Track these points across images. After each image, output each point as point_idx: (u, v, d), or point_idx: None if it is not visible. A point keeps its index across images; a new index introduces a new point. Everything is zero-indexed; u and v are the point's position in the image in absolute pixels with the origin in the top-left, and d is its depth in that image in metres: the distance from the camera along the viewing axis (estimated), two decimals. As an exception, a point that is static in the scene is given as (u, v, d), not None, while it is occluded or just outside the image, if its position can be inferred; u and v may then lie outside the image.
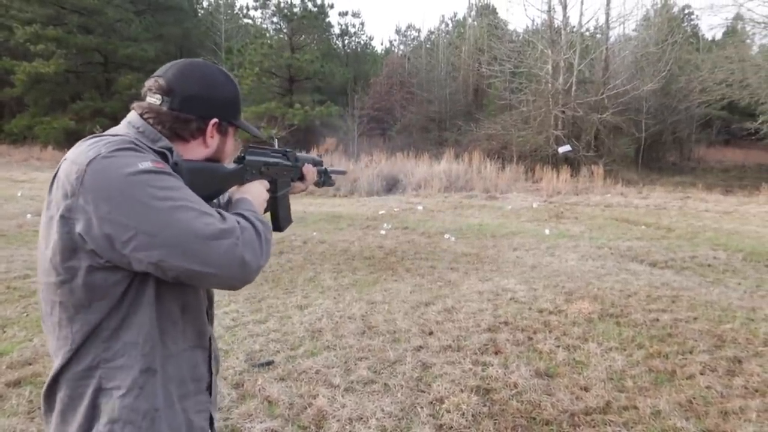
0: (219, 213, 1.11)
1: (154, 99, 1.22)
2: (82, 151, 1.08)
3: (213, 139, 1.30)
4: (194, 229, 1.03)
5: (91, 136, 1.16)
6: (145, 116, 1.22)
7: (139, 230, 1.01)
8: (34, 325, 4.37)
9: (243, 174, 1.43)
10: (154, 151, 1.15)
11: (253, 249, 1.11)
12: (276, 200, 1.60)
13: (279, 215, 1.64)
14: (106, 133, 1.19)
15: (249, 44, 26.59)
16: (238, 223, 1.12)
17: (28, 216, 9.37)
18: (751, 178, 21.38)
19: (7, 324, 4.38)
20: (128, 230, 1.01)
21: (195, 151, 1.27)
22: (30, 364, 3.62)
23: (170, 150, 1.19)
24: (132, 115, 1.24)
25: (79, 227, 1.03)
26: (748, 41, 25.08)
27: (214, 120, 1.27)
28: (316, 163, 1.84)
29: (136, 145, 1.12)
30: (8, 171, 17.98)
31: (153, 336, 1.13)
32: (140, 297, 1.11)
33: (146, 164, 1.05)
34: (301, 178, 1.73)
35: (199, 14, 36.65)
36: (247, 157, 1.45)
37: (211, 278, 1.06)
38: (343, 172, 2.23)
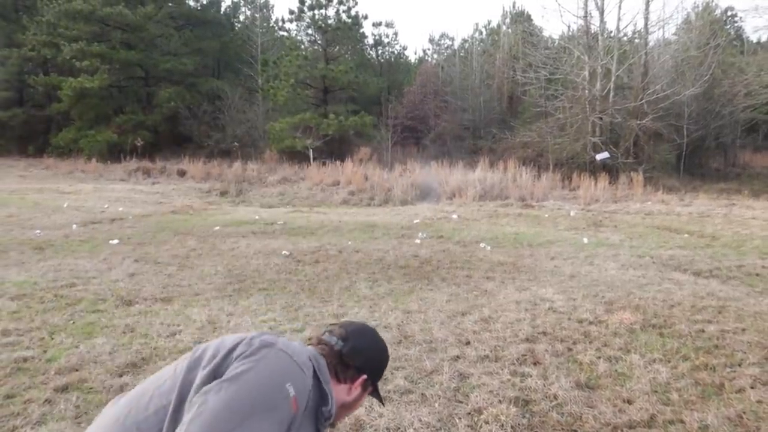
0: None
1: (331, 339, 1.52)
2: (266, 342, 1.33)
3: (356, 391, 1.54)
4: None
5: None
6: (321, 350, 1.49)
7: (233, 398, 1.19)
8: (81, 332, 4.50)
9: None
10: (320, 387, 1.37)
11: None
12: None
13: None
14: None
15: (284, 56, 27.04)
16: None
17: (74, 227, 9.68)
18: (800, 184, 20.58)
19: (55, 331, 4.52)
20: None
21: (340, 393, 1.49)
22: (77, 370, 3.72)
23: (331, 395, 1.40)
24: (312, 349, 1.49)
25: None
26: (796, 42, 24.26)
27: (365, 376, 1.53)
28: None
29: (307, 365, 1.34)
30: (55, 183, 18.64)
31: None
32: None
33: (291, 391, 1.23)
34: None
35: (236, 28, 37.42)
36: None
37: None
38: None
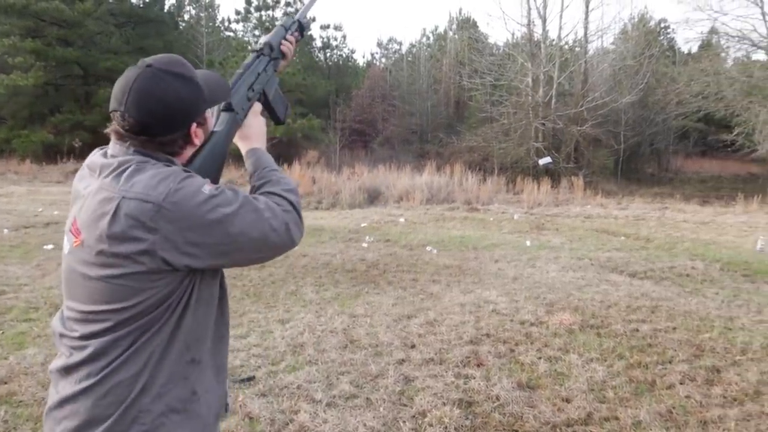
0: (264, 207, 1.26)
1: (128, 132, 1.25)
2: (146, 186, 1.17)
3: (198, 137, 1.35)
4: (259, 230, 1.24)
5: (130, 167, 1.22)
6: (132, 145, 1.26)
7: (219, 244, 1.20)
8: (10, 342, 4.28)
9: (235, 120, 1.47)
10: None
11: (297, 224, 1.34)
12: (269, 104, 1.61)
13: (276, 111, 1.65)
14: (136, 160, 1.24)
15: (231, 57, 26.56)
16: (280, 206, 1.31)
17: (5, 231, 9.20)
18: (727, 189, 21.79)
19: (-20, 342, 4.28)
20: (209, 245, 1.19)
21: (187, 153, 1.35)
22: (6, 383, 3.53)
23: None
24: (126, 145, 1.26)
25: (166, 255, 1.16)
26: (723, 54, 25.71)
27: (193, 125, 1.31)
28: (288, 27, 1.73)
29: (188, 170, 1.25)
30: (-16, 185, 17.64)
31: (196, 334, 1.29)
32: (189, 300, 1.26)
33: (207, 188, 1.20)
34: (283, 57, 1.72)
35: (181, 27, 36.49)
36: (233, 101, 1.46)
37: (270, 257, 1.35)
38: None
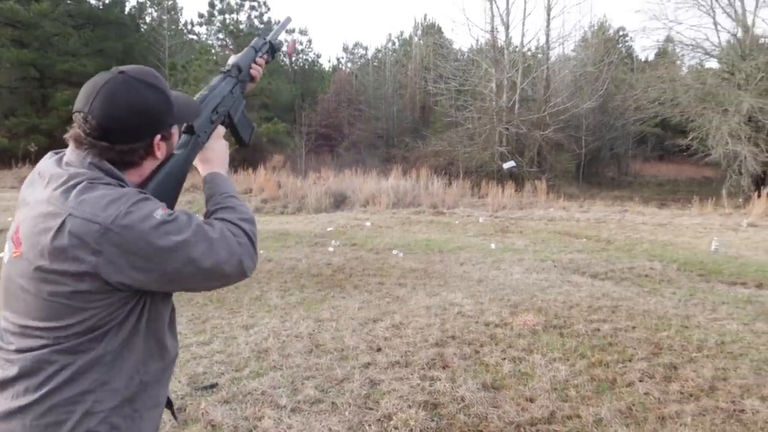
0: (219, 237, 1.23)
1: (90, 142, 1.21)
2: (95, 207, 1.12)
3: (161, 151, 1.31)
4: (211, 261, 1.20)
5: (80, 183, 1.16)
6: (90, 153, 1.21)
7: (166, 272, 1.16)
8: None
9: (197, 142, 1.43)
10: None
11: (251, 255, 1.30)
12: (235, 126, 1.57)
13: (240, 134, 1.62)
14: (89, 178, 1.18)
15: (194, 60, 26.21)
16: (235, 236, 1.27)
17: (-46, 238, 8.84)
18: (683, 192, 22.47)
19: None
20: (156, 272, 1.15)
21: (148, 167, 1.30)
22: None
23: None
24: (84, 154, 1.22)
25: (109, 278, 1.12)
26: (678, 62, 26.55)
27: (157, 137, 1.28)
28: (259, 49, 1.72)
29: (143, 193, 1.21)
30: (-68, 191, 16.94)
31: (145, 356, 1.25)
32: (138, 323, 1.22)
33: (160, 213, 1.16)
34: (251, 80, 1.71)
35: (142, 29, 35.77)
36: (195, 124, 1.42)
37: (220, 286, 1.30)
38: (288, 20, 2.03)
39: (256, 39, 1.73)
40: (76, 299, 1.13)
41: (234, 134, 1.60)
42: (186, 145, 1.40)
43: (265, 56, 1.73)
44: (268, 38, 1.77)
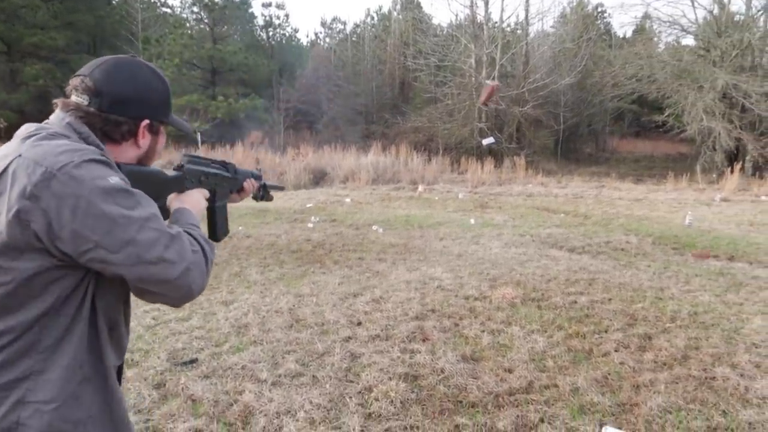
0: (174, 235, 1.13)
1: (80, 99, 1.18)
2: (48, 152, 1.05)
3: (145, 140, 1.28)
4: (154, 252, 1.07)
5: (44, 133, 1.12)
6: (74, 115, 1.17)
7: (99, 244, 1.03)
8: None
9: (183, 182, 1.44)
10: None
11: (202, 273, 1.16)
12: (214, 211, 1.59)
13: (216, 225, 1.63)
14: (56, 131, 1.14)
15: (168, 34, 25.58)
16: (191, 245, 1.16)
17: None
18: (659, 168, 22.78)
19: None
20: (88, 242, 1.03)
21: (127, 152, 1.26)
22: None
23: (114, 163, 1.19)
24: (65, 115, 1.17)
25: (36, 227, 1.01)
26: (655, 39, 26.70)
27: (146, 121, 1.26)
28: (256, 177, 1.83)
29: (105, 158, 1.11)
30: None
31: (90, 346, 1.15)
32: (80, 310, 1.12)
33: (116, 180, 1.07)
34: (240, 190, 1.74)
35: (114, 2, 34.79)
36: (187, 166, 1.45)
37: (158, 297, 1.13)
38: (281, 188, 2.21)
39: (259, 174, 1.87)
40: (9, 253, 1.04)
41: (209, 219, 1.59)
42: (170, 174, 1.42)
43: (257, 185, 1.81)
44: (264, 181, 1.90)
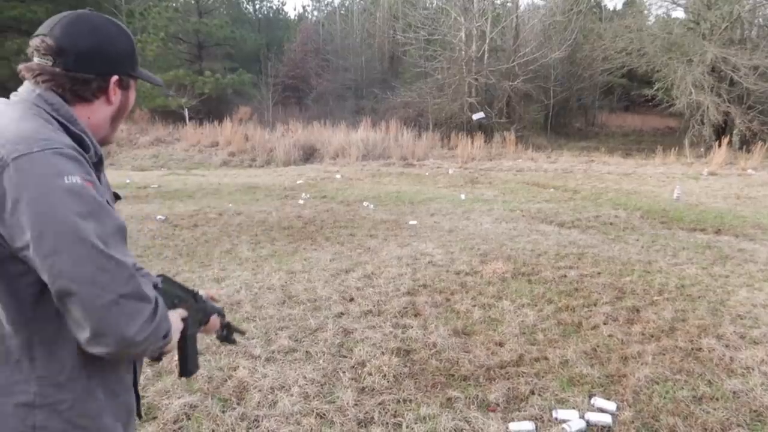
0: (121, 262, 1.00)
1: (44, 60, 1.12)
2: (11, 134, 1.01)
3: (116, 96, 1.23)
4: (87, 271, 0.96)
5: (11, 107, 1.09)
6: (41, 80, 1.12)
7: (36, 241, 0.95)
8: None
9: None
10: (69, 132, 1.09)
11: (144, 318, 1.01)
12: (186, 339, 1.43)
13: (188, 356, 1.48)
14: (26, 107, 1.09)
15: (152, 7, 25.02)
16: (143, 288, 1.02)
17: None
18: (647, 142, 22.84)
19: None
20: (24, 236, 0.96)
21: (100, 110, 1.21)
22: None
23: (86, 134, 1.14)
24: (35, 87, 1.13)
25: None
26: (646, 12, 26.58)
27: (115, 77, 1.20)
28: (221, 315, 1.63)
29: (72, 151, 1.04)
30: None
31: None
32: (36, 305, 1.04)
33: (75, 179, 0.99)
34: (206, 322, 1.53)
35: (95, -27, 33.98)
36: (162, 285, 1.32)
37: (78, 331, 0.98)
38: (242, 332, 1.89)
39: (224, 312, 1.65)
40: None
41: (180, 349, 1.43)
42: None
43: (220, 322, 1.60)
44: (228, 321, 1.68)
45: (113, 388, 1.17)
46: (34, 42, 1.14)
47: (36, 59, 1.14)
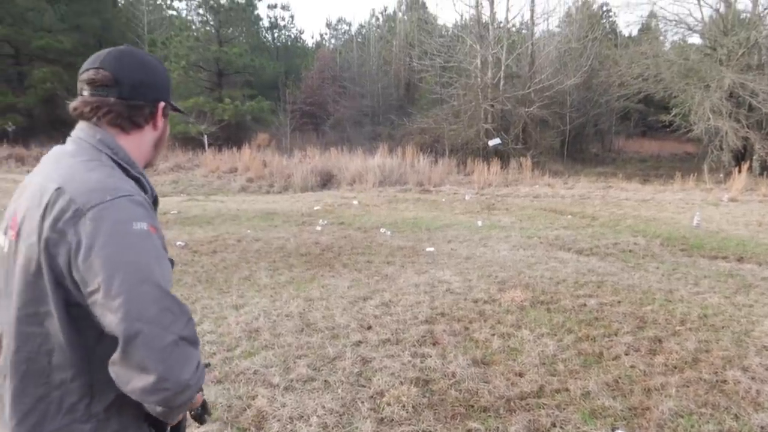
0: (184, 309, 1.12)
1: (99, 92, 1.21)
2: (83, 185, 1.09)
3: (161, 122, 1.33)
4: (166, 320, 1.05)
5: (79, 155, 1.17)
6: (101, 113, 1.21)
7: (106, 282, 1.03)
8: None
9: None
10: (129, 175, 1.19)
11: (193, 363, 1.10)
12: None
13: (180, 425, 1.41)
14: (91, 154, 1.18)
15: (174, 36, 25.73)
16: (191, 333, 1.12)
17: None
18: (665, 168, 22.69)
19: None
20: (96, 279, 1.03)
21: (147, 135, 1.30)
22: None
23: (143, 176, 1.25)
24: (96, 132, 1.21)
25: (61, 260, 1.05)
26: (661, 38, 26.59)
27: (162, 103, 1.31)
28: (200, 390, 1.51)
29: (141, 199, 1.14)
30: None
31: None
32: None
33: (143, 225, 1.08)
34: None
35: (120, 4, 34.98)
36: None
37: (138, 378, 1.04)
38: (210, 414, 1.83)
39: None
40: (51, 283, 1.10)
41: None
42: None
43: (201, 397, 1.52)
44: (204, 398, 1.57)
45: (139, 425, 1.25)
46: (87, 75, 1.22)
47: (87, 93, 1.21)
